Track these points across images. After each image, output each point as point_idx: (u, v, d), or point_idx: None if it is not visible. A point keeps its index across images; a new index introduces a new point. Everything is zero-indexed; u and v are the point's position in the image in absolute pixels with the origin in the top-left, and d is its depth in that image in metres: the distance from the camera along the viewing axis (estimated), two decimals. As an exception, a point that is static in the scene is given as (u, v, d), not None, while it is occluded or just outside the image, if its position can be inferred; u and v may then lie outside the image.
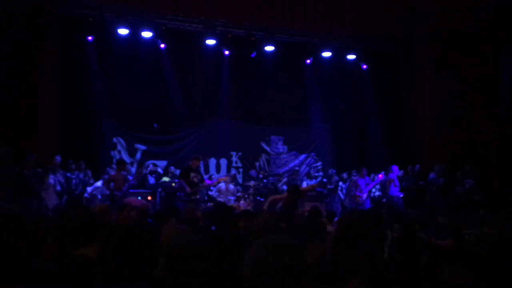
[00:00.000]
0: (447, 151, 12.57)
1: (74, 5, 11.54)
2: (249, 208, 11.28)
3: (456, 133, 12.62)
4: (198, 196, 10.30)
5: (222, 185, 12.24)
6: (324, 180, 13.42)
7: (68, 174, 10.99)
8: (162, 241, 3.19)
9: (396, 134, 13.84)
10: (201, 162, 10.92)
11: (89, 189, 11.10)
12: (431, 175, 11.83)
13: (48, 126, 11.01)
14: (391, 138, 13.90)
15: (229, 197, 11.92)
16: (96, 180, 11.37)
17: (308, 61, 13.99)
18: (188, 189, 9.95)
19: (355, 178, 12.05)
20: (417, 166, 12.47)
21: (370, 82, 14.35)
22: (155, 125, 13.25)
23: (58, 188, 10.17)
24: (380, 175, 11.94)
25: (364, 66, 14.23)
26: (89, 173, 11.65)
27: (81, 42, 12.01)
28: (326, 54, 13.46)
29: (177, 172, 12.64)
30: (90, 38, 12.09)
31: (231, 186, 12.34)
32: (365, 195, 11.46)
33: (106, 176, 11.02)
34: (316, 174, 14.41)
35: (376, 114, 14.46)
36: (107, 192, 10.49)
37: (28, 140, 10.56)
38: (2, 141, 9.62)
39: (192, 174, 10.09)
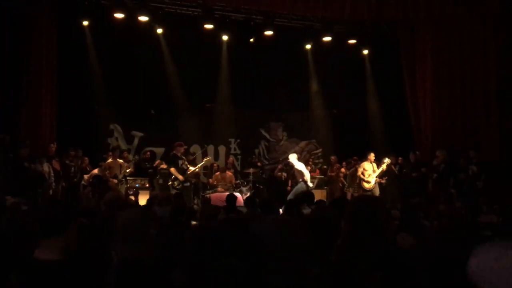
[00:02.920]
0: (449, 137, 12.44)
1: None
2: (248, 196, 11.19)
3: (458, 119, 12.49)
4: (188, 183, 10.28)
5: (217, 174, 12.14)
6: (325, 167, 13.27)
7: (67, 162, 10.87)
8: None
9: (397, 119, 13.67)
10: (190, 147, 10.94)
11: (86, 176, 10.97)
12: (435, 162, 11.68)
13: (46, 113, 10.89)
14: (393, 124, 13.72)
15: (228, 185, 11.80)
16: (93, 167, 11.22)
17: (308, 46, 13.76)
18: (181, 177, 9.99)
19: (362, 162, 11.72)
20: (417, 152, 12.35)
21: (371, 67, 14.14)
22: (152, 111, 13.03)
23: (53, 175, 10.03)
24: (386, 160, 11.63)
25: (365, 51, 14.01)
26: (86, 160, 11.49)
27: (77, 27, 11.78)
28: (327, 38, 13.24)
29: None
30: (86, 22, 11.85)
31: (228, 174, 12.21)
32: (373, 181, 11.22)
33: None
34: (317, 161, 14.25)
35: (377, 100, 14.25)
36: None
37: (26, 127, 10.48)
38: (1, 128, 9.50)
39: (180, 161, 10.18)
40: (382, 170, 11.40)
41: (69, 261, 2.46)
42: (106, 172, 10.20)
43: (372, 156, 11.46)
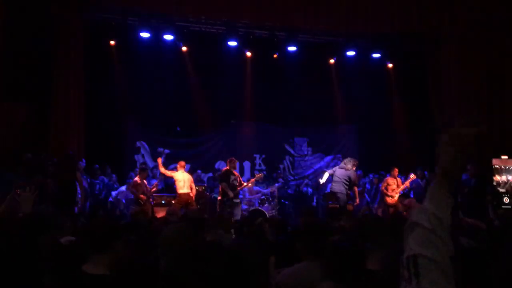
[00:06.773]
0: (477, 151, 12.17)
1: (98, 10, 11.57)
2: (273, 212, 11.12)
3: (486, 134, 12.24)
4: (237, 200, 10.19)
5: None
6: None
7: (92, 180, 11.00)
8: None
9: (424, 133, 13.47)
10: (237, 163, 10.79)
11: (113, 193, 11.11)
12: (464, 176, 11.44)
13: (74, 131, 11.03)
14: (419, 137, 13.53)
15: (253, 200, 11.75)
16: (121, 184, 11.36)
17: (332, 60, 13.74)
18: (231, 193, 9.88)
19: (386, 178, 11.61)
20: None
21: (396, 81, 13.98)
22: (178, 128, 13.16)
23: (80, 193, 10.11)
24: (412, 176, 11.47)
25: (390, 65, 13.90)
26: (114, 177, 11.65)
27: (103, 47, 12.01)
28: (351, 53, 13.21)
29: (204, 176, 12.56)
30: (112, 42, 12.10)
31: (255, 187, 12.16)
32: (396, 196, 11.08)
33: (130, 181, 11.03)
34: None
35: (403, 113, 14.07)
36: (131, 196, 10.50)
37: (54, 146, 10.62)
38: (29, 147, 9.69)
39: (232, 177, 10.05)
40: (406, 186, 11.27)
41: (116, 275, 2.54)
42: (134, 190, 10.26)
43: (395, 171, 11.36)
